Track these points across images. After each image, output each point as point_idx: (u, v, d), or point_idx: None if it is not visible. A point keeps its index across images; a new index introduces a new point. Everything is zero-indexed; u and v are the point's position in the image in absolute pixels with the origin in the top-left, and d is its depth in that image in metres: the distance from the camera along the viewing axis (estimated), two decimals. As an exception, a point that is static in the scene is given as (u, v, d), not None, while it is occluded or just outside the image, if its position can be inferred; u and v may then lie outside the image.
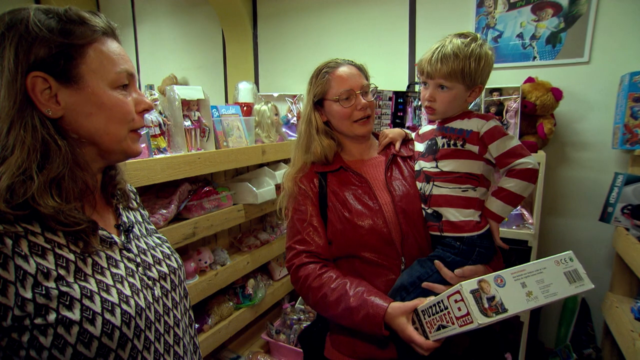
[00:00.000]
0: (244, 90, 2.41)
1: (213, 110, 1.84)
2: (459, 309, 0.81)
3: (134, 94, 0.73)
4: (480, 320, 0.77)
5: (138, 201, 0.93)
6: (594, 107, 2.04)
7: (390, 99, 2.30)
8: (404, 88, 2.43)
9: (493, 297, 0.78)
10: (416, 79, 2.44)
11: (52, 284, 0.59)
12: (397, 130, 1.27)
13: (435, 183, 1.07)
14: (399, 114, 2.31)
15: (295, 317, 2.35)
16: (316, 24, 2.75)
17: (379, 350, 1.10)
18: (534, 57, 2.12)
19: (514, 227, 1.99)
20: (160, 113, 1.61)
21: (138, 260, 0.76)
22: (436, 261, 1.03)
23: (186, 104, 1.72)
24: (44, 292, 0.58)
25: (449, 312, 0.83)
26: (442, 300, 0.86)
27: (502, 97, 2.01)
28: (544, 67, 2.10)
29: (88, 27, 0.66)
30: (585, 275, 0.84)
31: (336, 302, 1.03)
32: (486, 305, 0.77)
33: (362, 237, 1.07)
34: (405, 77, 2.55)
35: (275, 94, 2.55)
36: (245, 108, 2.24)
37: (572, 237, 2.14)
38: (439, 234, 1.07)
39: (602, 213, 1.91)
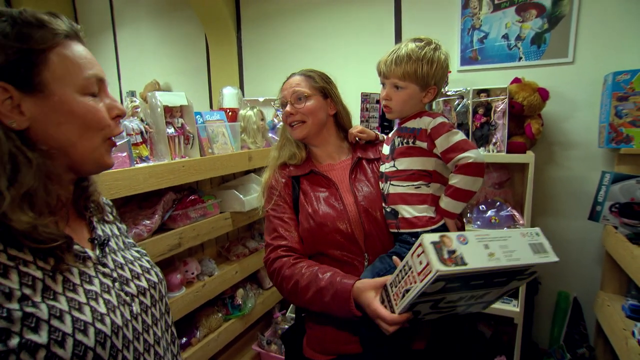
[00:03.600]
0: (229, 96, 2.40)
1: (197, 116, 1.83)
2: (420, 263, 0.80)
3: (106, 100, 0.70)
4: (438, 267, 0.75)
5: (114, 214, 0.90)
6: (579, 106, 2.07)
7: (377, 102, 2.31)
8: None
9: (454, 251, 0.77)
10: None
11: (14, 305, 0.56)
12: (369, 130, 1.34)
13: (391, 182, 1.14)
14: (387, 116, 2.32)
15: (286, 326, 2.33)
16: (301, 27, 2.75)
17: (345, 345, 1.17)
18: (520, 58, 2.15)
19: (505, 229, 2.00)
20: (142, 120, 1.59)
21: (115, 275, 0.73)
22: (394, 257, 1.06)
23: (169, 111, 1.71)
24: (4, 314, 0.54)
25: (412, 272, 0.82)
26: (407, 262, 0.85)
27: (489, 98, 2.03)
28: (530, 67, 2.13)
29: (48, 30, 0.63)
30: (550, 249, 0.83)
31: (307, 286, 1.10)
32: (446, 257, 0.76)
33: (327, 236, 1.16)
34: None
35: (261, 99, 2.56)
36: (230, 113, 2.23)
37: (562, 236, 2.16)
38: (396, 230, 1.13)
39: (590, 212, 1.94)
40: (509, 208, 2.05)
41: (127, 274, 0.76)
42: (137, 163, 1.52)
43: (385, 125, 2.31)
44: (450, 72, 2.16)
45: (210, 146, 1.88)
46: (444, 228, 1.09)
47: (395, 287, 0.90)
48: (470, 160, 1.03)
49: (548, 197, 2.19)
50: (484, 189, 2.20)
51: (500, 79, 2.16)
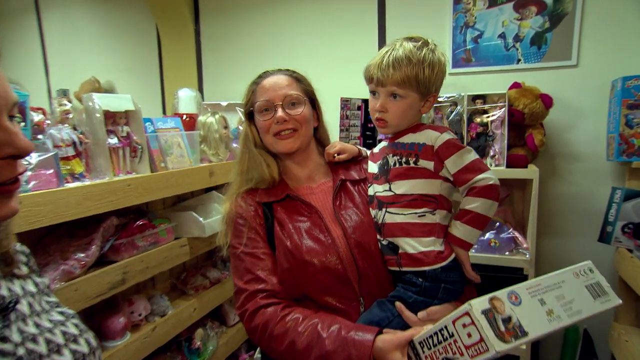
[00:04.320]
0: (186, 99, 2.31)
1: (147, 123, 1.74)
2: (469, 335, 0.76)
3: None
4: (497, 347, 0.72)
5: (31, 264, 0.78)
6: (584, 114, 2.06)
7: (359, 108, 2.27)
8: None
9: (509, 318, 0.75)
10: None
11: None
12: (350, 145, 1.28)
13: (388, 209, 1.06)
14: (369, 124, 2.28)
15: (255, 371, 2.17)
16: (272, 22, 2.69)
17: None
18: (518, 60, 2.13)
19: (506, 253, 1.94)
20: (75, 129, 1.45)
21: (21, 352, 0.62)
22: (397, 303, 1.01)
23: (111, 117, 1.60)
24: None
25: (455, 341, 0.79)
26: (445, 327, 0.81)
27: (486, 105, 1.99)
28: (529, 70, 2.11)
29: None
30: (609, 289, 0.82)
31: (307, 349, 0.98)
32: (502, 329, 0.73)
33: (314, 277, 1.06)
34: None
35: (224, 103, 2.44)
36: (187, 120, 2.14)
37: (569, 260, 2.05)
38: (397, 269, 1.05)
39: (600, 233, 1.90)
40: (511, 230, 1.99)
41: (43, 348, 0.66)
42: (67, 182, 1.38)
43: (368, 134, 2.28)
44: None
45: (163, 159, 1.78)
46: (454, 264, 1.02)
47: (429, 349, 0.85)
48: (491, 182, 0.98)
49: (552, 216, 2.16)
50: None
51: (496, 83, 2.14)
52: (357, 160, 1.27)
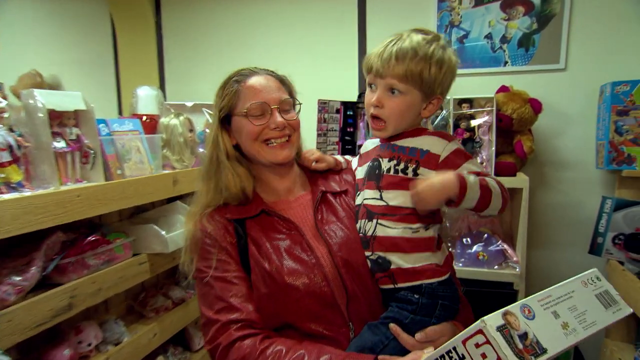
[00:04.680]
0: (146, 98, 2.22)
1: (100, 125, 1.67)
2: (484, 356, 0.73)
3: None
4: None
5: None
6: (573, 120, 2.09)
7: (337, 111, 2.26)
8: (354, 98, 2.39)
9: (525, 334, 0.73)
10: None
11: None
12: (327, 156, 1.26)
13: (379, 221, 1.01)
14: (348, 129, 2.27)
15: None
16: (243, 15, 2.65)
17: None
18: (505, 62, 2.15)
19: (495, 267, 1.93)
20: (11, 130, 1.33)
21: None
22: (391, 325, 0.96)
23: (57, 117, 1.50)
24: None
25: None
26: (454, 348, 0.77)
27: (472, 110, 1.98)
28: (517, 73, 2.13)
29: None
30: (619, 297, 0.84)
31: None
32: (520, 346, 0.71)
33: (297, 302, 1.01)
34: (355, 84, 2.50)
35: (189, 103, 2.36)
36: (148, 122, 2.05)
37: (560, 273, 2.13)
38: (392, 286, 1.01)
39: (591, 244, 1.91)
40: (499, 242, 1.98)
41: None
42: (2, 193, 1.28)
43: (347, 140, 2.27)
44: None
45: (120, 166, 1.71)
46: (450, 278, 1.01)
47: None
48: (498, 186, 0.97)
49: (541, 227, 2.18)
50: (467, 217, 2.12)
51: (483, 86, 2.15)
52: (336, 171, 1.24)
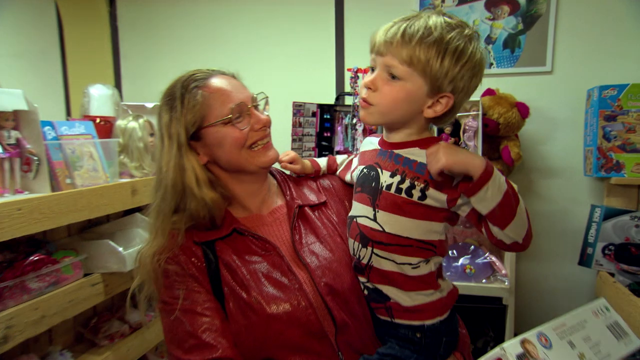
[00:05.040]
0: (100, 98, 2.15)
1: (46, 128, 1.60)
2: None
3: None
4: None
5: None
6: (560, 125, 2.11)
7: (313, 114, 2.22)
8: (331, 100, 2.38)
9: None
10: (347, 89, 2.39)
11: None
12: (306, 160, 1.21)
13: (375, 251, 0.93)
14: (325, 134, 2.24)
15: None
16: (210, 8, 2.61)
17: None
18: (491, 64, 2.15)
19: (484, 281, 1.90)
20: None
21: None
22: None
23: None
24: None
25: None
26: None
27: (458, 114, 1.94)
28: (502, 76, 2.15)
29: None
30: (628, 329, 0.88)
31: None
32: None
33: (282, 334, 0.94)
34: (332, 85, 2.48)
35: (149, 104, 2.25)
36: (102, 124, 1.99)
37: (548, 286, 2.17)
38: (389, 319, 0.96)
39: (581, 255, 1.94)
40: (487, 254, 1.96)
41: None
42: None
43: (324, 145, 2.24)
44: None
45: (70, 174, 1.64)
46: (453, 314, 0.97)
47: None
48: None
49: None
50: (451, 228, 2.08)
51: None
52: (311, 177, 1.19)
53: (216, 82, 1.01)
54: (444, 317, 0.94)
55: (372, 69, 0.90)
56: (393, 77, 0.86)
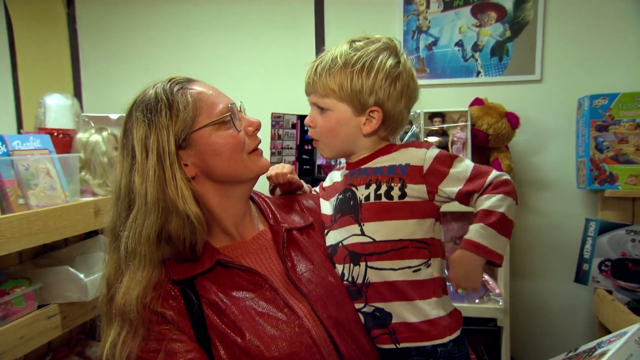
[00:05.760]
0: (57, 109, 2.15)
1: None
2: None
3: None
4: None
5: None
6: (551, 135, 2.13)
7: (293, 126, 2.21)
8: None
9: None
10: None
11: None
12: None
13: (369, 264, 0.96)
14: (306, 146, 2.23)
15: None
16: (181, 12, 2.54)
17: None
18: (478, 73, 2.17)
19: (477, 301, 1.89)
20: None
21: None
22: None
23: None
24: None
25: None
26: None
27: (445, 125, 1.99)
28: (490, 85, 2.16)
29: None
30: None
31: None
32: None
33: None
34: None
35: (114, 116, 2.24)
36: (61, 138, 1.97)
37: (546, 307, 2.17)
38: (393, 347, 0.95)
39: (577, 272, 1.94)
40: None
41: None
42: None
43: (305, 159, 2.23)
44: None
45: (23, 194, 1.59)
46: (462, 337, 0.97)
47: None
48: (505, 177, 0.94)
49: (523, 253, 2.20)
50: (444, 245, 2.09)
51: (455, 98, 2.18)
52: (292, 193, 1.20)
53: (198, 86, 0.99)
54: (454, 337, 0.94)
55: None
56: (322, 110, 1.00)
